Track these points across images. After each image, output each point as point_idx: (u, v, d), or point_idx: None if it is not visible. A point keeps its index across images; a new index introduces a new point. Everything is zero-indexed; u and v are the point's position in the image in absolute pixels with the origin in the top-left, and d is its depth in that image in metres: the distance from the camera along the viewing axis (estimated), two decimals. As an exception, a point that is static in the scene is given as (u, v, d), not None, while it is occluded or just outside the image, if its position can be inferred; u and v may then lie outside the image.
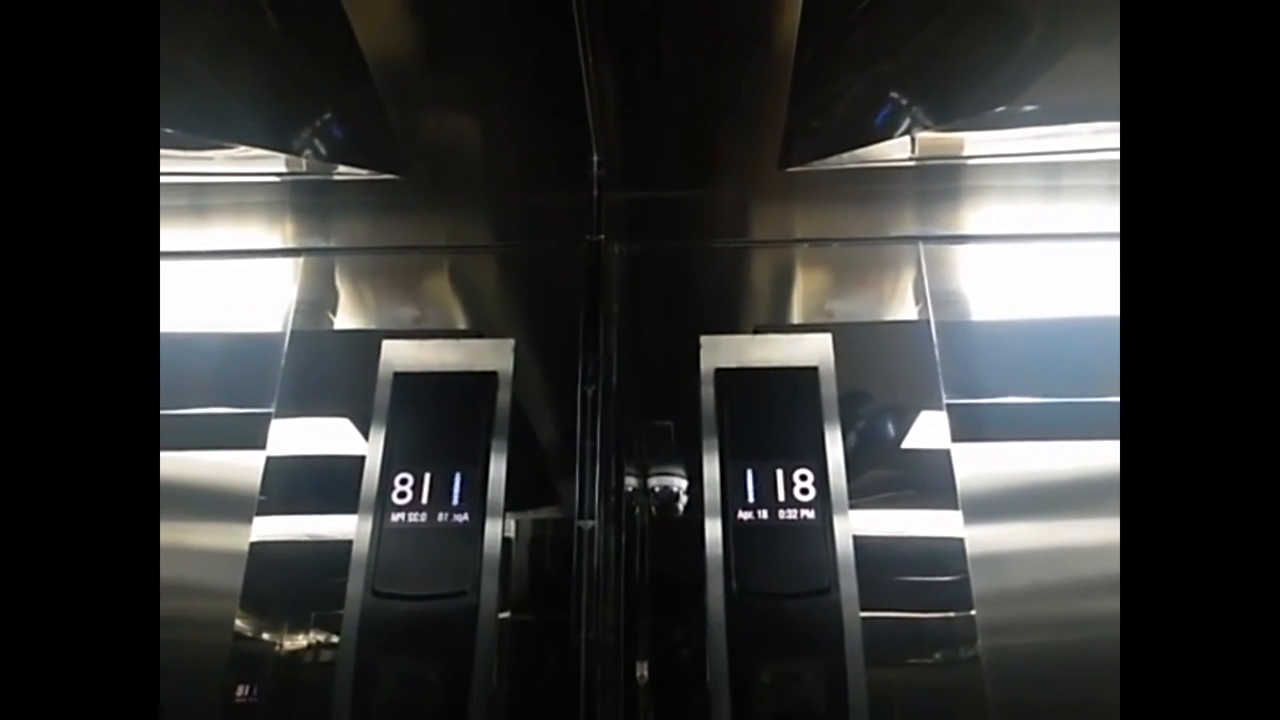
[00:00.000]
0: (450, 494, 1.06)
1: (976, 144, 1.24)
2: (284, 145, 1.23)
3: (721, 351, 1.15)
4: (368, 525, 1.05)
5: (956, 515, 1.06)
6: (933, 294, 1.20)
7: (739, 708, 0.95)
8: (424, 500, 1.06)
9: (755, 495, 1.06)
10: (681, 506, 1.11)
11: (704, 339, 1.15)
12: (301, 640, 1.05)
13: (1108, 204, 1.25)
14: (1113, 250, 1.22)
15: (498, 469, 1.08)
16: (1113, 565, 1.02)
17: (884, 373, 1.17)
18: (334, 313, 1.27)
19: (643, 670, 1.04)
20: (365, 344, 1.17)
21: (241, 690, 1.02)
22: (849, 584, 1.00)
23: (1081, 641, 1.01)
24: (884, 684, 0.97)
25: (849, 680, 0.96)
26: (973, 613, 1.01)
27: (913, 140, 1.22)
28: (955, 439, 1.10)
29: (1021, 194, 1.28)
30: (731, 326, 1.19)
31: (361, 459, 1.09)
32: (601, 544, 1.05)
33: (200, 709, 1.01)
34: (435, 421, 1.11)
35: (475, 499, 1.06)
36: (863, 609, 0.98)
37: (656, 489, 1.13)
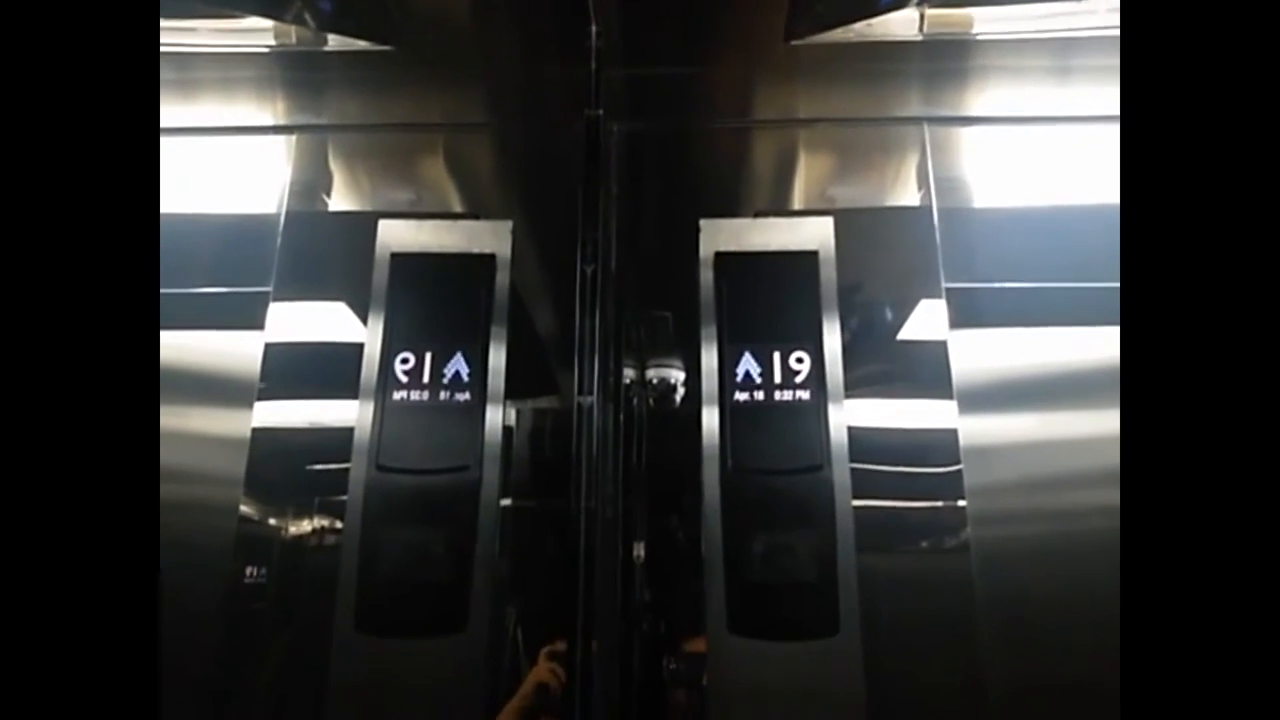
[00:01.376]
0: (451, 373, 1.08)
1: (986, 21, 1.19)
2: (273, 12, 1.18)
3: (721, 235, 1.14)
4: (370, 403, 1.07)
5: (951, 405, 1.08)
6: (936, 179, 1.19)
7: (732, 576, 0.99)
8: (425, 379, 1.07)
9: (752, 376, 1.07)
10: (679, 390, 1.13)
11: (703, 222, 1.14)
12: (306, 518, 1.08)
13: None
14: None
15: (498, 349, 1.09)
16: (1103, 457, 1.05)
17: (884, 258, 1.16)
18: (328, 194, 1.25)
19: (639, 550, 1.08)
20: (361, 225, 1.16)
21: (250, 570, 1.05)
22: (841, 462, 1.03)
23: (1073, 533, 1.03)
24: (871, 555, 1.01)
25: (838, 552, 0.99)
26: (962, 503, 1.04)
27: (921, 17, 1.17)
28: (953, 325, 1.10)
29: (1031, 75, 1.24)
30: (732, 210, 1.18)
31: (360, 340, 1.10)
32: (600, 421, 1.07)
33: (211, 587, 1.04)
34: (434, 302, 1.11)
35: (476, 378, 1.07)
36: (853, 487, 1.01)
37: (654, 379, 1.14)
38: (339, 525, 1.04)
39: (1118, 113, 1.20)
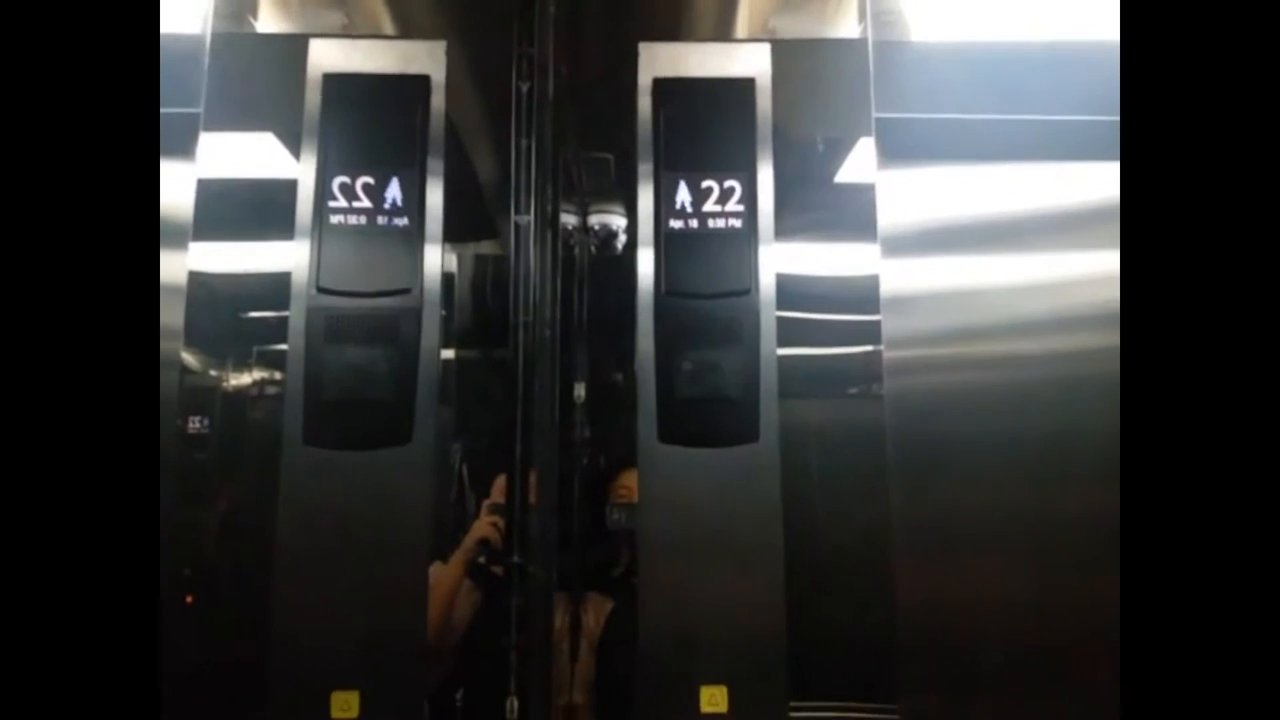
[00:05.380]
0: (388, 197, 1.08)
1: None
2: None
3: (660, 60, 1.14)
4: (307, 227, 1.07)
5: (875, 247, 1.13)
6: (873, 11, 1.19)
7: (662, 392, 1.05)
8: (362, 203, 1.08)
9: (686, 204, 1.10)
10: (621, 236, 1.15)
11: (642, 46, 1.13)
12: (252, 346, 1.10)
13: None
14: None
15: (435, 173, 1.09)
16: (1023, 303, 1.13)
17: (820, 88, 1.17)
18: (254, 15, 1.20)
19: (580, 390, 1.13)
20: (291, 47, 1.13)
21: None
22: (768, 286, 1.08)
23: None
24: (792, 368, 1.07)
25: (761, 369, 1.06)
26: (878, 317, 1.10)
27: None
28: (883, 154, 1.14)
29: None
30: (673, 36, 1.17)
31: (294, 165, 1.09)
32: (537, 243, 1.10)
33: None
34: (369, 125, 1.10)
35: (413, 202, 1.08)
36: (779, 309, 1.07)
37: (596, 225, 1.16)
38: (283, 347, 1.06)
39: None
